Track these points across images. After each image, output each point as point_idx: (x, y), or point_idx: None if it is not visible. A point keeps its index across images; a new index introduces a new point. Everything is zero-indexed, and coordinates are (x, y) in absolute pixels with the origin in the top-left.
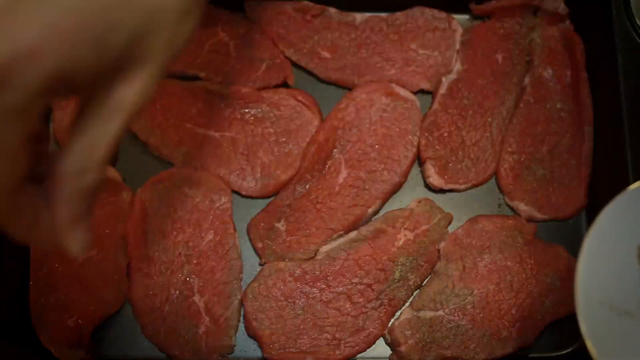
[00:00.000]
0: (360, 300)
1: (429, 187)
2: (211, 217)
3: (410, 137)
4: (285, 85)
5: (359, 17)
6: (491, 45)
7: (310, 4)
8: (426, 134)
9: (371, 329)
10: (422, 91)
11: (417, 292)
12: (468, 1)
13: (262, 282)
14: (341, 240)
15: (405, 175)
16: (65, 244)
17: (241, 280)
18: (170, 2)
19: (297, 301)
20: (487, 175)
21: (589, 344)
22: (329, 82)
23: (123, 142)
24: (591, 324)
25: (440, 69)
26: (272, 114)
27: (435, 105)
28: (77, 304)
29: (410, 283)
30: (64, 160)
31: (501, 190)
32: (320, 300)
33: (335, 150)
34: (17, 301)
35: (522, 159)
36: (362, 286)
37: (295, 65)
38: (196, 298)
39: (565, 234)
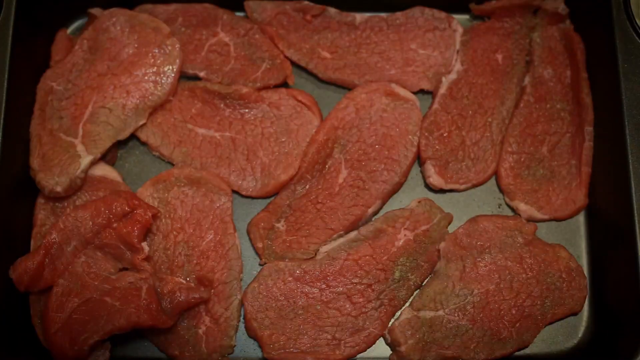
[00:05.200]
0: (360, 300)
1: (429, 187)
2: (211, 217)
3: (410, 137)
4: (285, 85)
5: (359, 17)
6: (491, 45)
7: (310, 4)
8: (426, 134)
9: (371, 329)
10: (422, 91)
11: (417, 292)
12: (468, 1)
13: (262, 282)
14: (341, 240)
15: (405, 175)
16: None
17: (241, 280)
18: None
19: (297, 301)
20: (487, 175)
21: None
22: (329, 82)
23: (123, 143)
24: None
25: (440, 69)
26: (272, 114)
27: (435, 105)
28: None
29: (410, 283)
30: None
31: (501, 190)
32: (320, 300)
33: (335, 150)
34: (17, 302)
35: (522, 159)
36: (362, 286)
37: (295, 65)
38: None
39: (565, 234)
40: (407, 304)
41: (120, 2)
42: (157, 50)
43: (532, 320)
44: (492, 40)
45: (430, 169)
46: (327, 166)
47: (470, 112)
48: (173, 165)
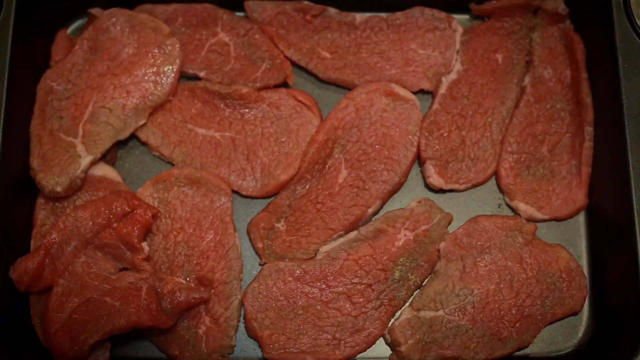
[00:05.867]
0: (360, 300)
1: (429, 187)
2: (211, 217)
3: (410, 137)
4: (285, 85)
5: (359, 17)
6: (491, 45)
7: (310, 4)
8: (426, 134)
9: (371, 329)
10: (422, 91)
11: (417, 292)
12: (468, 1)
13: (262, 282)
14: (341, 240)
15: (405, 175)
16: None
17: (241, 280)
18: None
19: (297, 301)
20: (487, 175)
21: None
22: (329, 82)
23: (123, 143)
24: None
25: (440, 69)
26: (272, 114)
27: (435, 105)
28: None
29: (410, 283)
30: None
31: (501, 190)
32: (320, 300)
33: (335, 150)
34: (17, 302)
35: (522, 159)
36: (362, 286)
37: (295, 65)
38: None
39: (565, 234)
40: (407, 304)
41: (120, 2)
42: (157, 50)
43: (532, 320)
44: (492, 40)
45: (430, 169)
46: (327, 166)
47: (470, 112)
48: (173, 165)
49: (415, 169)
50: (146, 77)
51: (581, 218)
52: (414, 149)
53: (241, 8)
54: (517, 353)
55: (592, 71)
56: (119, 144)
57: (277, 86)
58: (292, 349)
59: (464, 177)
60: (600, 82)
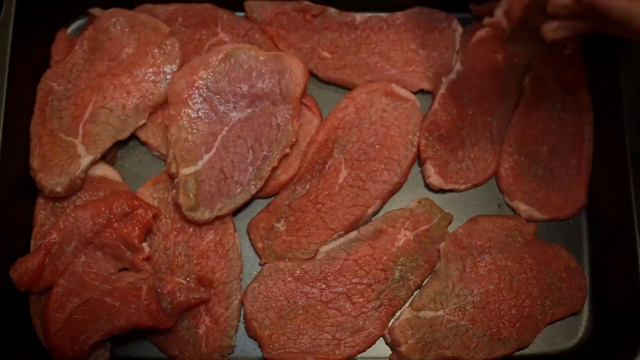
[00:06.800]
0: (360, 300)
1: (429, 187)
2: None
3: (410, 137)
4: None
5: (359, 17)
6: (491, 45)
7: (310, 4)
8: (426, 134)
9: (371, 329)
10: (422, 91)
11: (417, 292)
12: (468, 1)
13: (262, 282)
14: (341, 240)
15: (405, 175)
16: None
17: (241, 280)
18: None
19: (297, 301)
20: (487, 175)
21: None
22: (329, 82)
23: (123, 143)
24: None
25: (440, 69)
26: None
27: (435, 105)
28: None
29: (410, 283)
30: None
31: (501, 190)
32: (320, 300)
33: (335, 150)
34: (17, 302)
35: (522, 159)
36: (362, 286)
37: None
38: None
39: (565, 234)
40: (407, 304)
41: (120, 2)
42: (157, 50)
43: (532, 320)
44: (492, 40)
45: (430, 169)
46: (327, 166)
47: (470, 112)
48: None
49: (415, 169)
50: (146, 77)
51: (581, 218)
52: (414, 149)
53: (241, 8)
54: (517, 353)
55: (592, 71)
56: (119, 144)
57: None
58: (292, 349)
59: (464, 177)
60: (600, 82)
